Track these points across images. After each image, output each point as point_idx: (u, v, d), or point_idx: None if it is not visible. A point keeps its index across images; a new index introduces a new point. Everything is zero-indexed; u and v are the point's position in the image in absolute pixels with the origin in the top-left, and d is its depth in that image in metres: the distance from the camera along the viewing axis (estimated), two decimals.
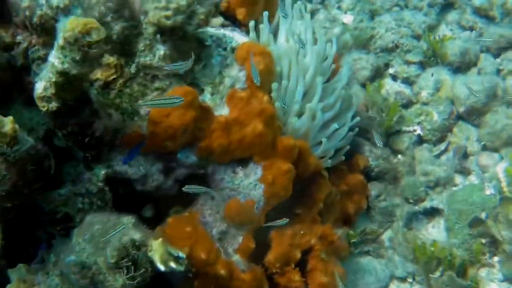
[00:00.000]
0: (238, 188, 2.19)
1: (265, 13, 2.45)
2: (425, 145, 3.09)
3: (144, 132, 2.05)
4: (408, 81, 3.34)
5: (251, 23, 2.40)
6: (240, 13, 2.46)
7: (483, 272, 2.66)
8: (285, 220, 2.20)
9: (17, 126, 1.75)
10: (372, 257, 2.83)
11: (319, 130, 2.48)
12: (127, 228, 1.80)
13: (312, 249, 2.38)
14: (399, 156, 3.09)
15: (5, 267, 1.93)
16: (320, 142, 2.45)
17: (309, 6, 3.67)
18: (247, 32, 2.42)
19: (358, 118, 2.68)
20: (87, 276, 1.75)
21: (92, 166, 2.06)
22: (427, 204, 2.90)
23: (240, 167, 2.22)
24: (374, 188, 2.89)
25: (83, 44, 1.70)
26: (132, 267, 1.74)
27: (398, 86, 3.33)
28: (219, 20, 2.44)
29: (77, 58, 1.73)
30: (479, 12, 3.52)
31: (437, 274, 2.65)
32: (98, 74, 2.07)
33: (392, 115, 3.04)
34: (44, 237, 2.04)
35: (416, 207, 2.91)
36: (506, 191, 2.63)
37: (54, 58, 1.76)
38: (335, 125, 2.48)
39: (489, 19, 3.48)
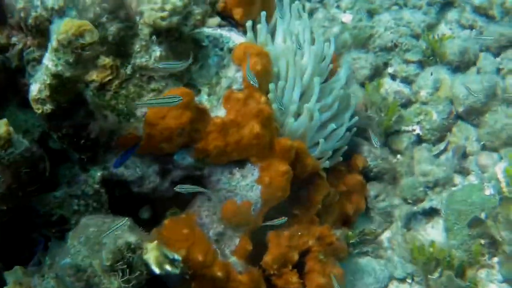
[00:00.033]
0: (235, 189, 2.18)
1: (263, 13, 2.43)
2: (424, 145, 3.07)
3: (140, 133, 2.04)
4: (407, 81, 3.33)
5: (248, 23, 2.38)
6: (237, 13, 2.45)
7: (482, 273, 2.65)
8: (283, 219, 2.19)
9: (11, 128, 1.75)
10: (371, 257, 2.82)
11: (317, 130, 2.46)
12: (123, 230, 1.80)
13: (310, 250, 2.37)
14: (398, 156, 3.07)
15: (1, 269, 1.93)
16: (318, 143, 2.43)
17: (308, 5, 3.66)
18: (244, 32, 2.41)
19: (356, 118, 2.66)
20: (82, 279, 1.75)
21: (88, 167, 2.06)
22: (426, 204, 2.88)
23: (237, 168, 2.20)
24: (373, 189, 2.88)
25: (77, 47, 1.70)
26: (127, 270, 1.74)
27: (397, 86, 3.32)
28: (216, 20, 2.43)
29: (71, 60, 1.72)
30: (478, 10, 3.49)
31: (436, 275, 2.64)
32: (94, 76, 2.06)
33: (391, 114, 3.03)
34: (39, 239, 2.03)
35: (415, 208, 2.90)
36: (506, 191, 2.62)
37: (48, 61, 1.75)
38: (332, 126, 2.46)
39: (489, 17, 3.46)
